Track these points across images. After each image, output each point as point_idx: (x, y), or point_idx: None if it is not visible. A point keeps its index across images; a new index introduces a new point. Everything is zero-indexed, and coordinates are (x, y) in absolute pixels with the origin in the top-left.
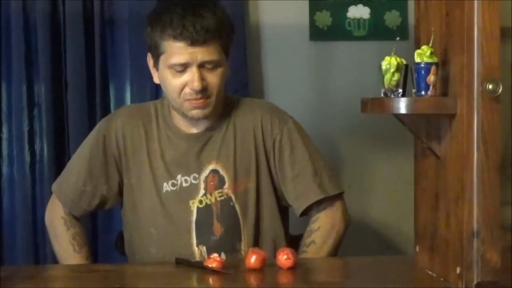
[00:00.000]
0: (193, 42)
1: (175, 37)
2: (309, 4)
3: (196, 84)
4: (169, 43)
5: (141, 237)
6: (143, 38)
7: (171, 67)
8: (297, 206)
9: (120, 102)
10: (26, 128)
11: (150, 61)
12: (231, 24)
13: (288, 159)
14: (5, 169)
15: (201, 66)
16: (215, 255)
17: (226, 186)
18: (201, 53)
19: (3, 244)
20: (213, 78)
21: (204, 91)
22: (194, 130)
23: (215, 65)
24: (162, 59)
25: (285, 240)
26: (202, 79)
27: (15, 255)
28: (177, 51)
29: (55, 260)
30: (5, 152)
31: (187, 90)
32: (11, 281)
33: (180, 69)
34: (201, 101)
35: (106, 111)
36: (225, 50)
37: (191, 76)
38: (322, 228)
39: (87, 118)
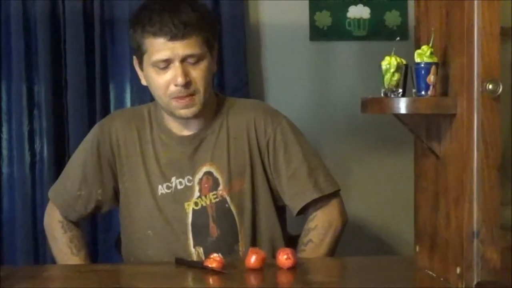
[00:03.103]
0: (173, 37)
1: (155, 34)
2: (309, 4)
3: (180, 80)
4: (150, 40)
5: (139, 240)
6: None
7: (154, 64)
8: (293, 205)
9: (120, 102)
10: (26, 128)
11: (136, 64)
12: (212, 18)
13: (283, 159)
14: (5, 169)
15: (183, 61)
16: (215, 255)
17: (221, 187)
18: (182, 48)
19: (3, 244)
20: (197, 73)
21: (188, 85)
22: (186, 132)
23: (197, 59)
24: (145, 58)
25: (282, 240)
26: (185, 74)
27: (15, 255)
28: (158, 47)
29: (55, 260)
30: (5, 152)
31: (172, 88)
32: (11, 281)
33: (163, 65)
34: (187, 99)
35: (106, 111)
36: (208, 44)
37: (174, 72)
38: (319, 227)
39: (87, 118)
